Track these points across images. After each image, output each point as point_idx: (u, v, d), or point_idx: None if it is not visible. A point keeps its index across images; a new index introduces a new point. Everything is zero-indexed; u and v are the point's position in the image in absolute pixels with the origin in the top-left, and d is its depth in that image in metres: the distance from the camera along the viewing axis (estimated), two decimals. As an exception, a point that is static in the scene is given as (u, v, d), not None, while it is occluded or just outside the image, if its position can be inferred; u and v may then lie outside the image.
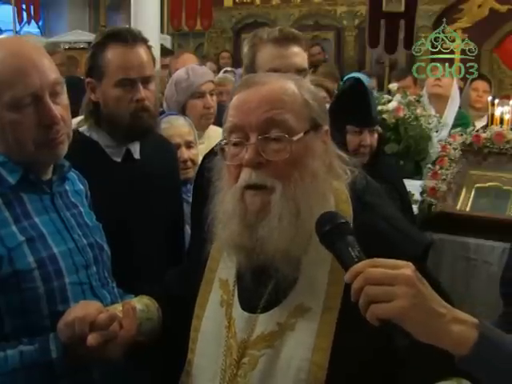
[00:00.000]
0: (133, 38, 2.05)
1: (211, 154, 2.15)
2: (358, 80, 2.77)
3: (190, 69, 3.02)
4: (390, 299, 0.98)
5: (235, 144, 1.24)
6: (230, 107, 1.27)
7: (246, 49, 2.14)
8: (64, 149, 1.51)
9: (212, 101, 2.99)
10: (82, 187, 1.70)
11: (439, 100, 4.45)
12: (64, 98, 1.51)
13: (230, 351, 1.27)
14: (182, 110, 2.91)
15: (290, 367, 1.19)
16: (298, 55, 2.07)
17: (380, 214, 1.31)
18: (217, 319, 1.33)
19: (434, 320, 1.00)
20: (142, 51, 2.06)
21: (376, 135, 2.67)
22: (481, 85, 4.91)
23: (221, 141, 1.28)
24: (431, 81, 4.44)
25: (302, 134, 1.22)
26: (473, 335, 1.01)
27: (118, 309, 1.38)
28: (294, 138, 1.21)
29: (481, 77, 4.66)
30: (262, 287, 1.26)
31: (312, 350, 1.18)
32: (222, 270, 1.37)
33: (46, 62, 1.47)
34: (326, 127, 1.29)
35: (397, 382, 1.15)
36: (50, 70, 1.47)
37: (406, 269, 1.01)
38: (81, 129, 2.13)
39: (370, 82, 5.62)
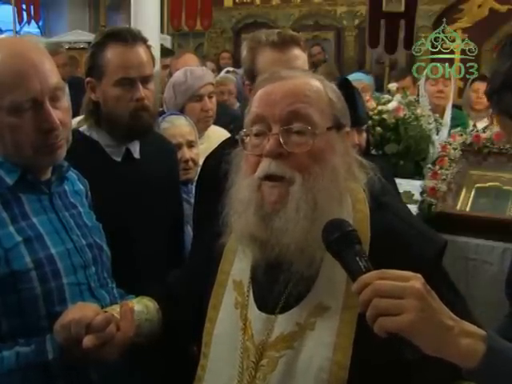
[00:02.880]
0: (132, 38, 2.05)
1: (214, 155, 2.15)
2: (346, 80, 2.76)
3: (189, 71, 2.99)
4: (398, 312, 0.97)
5: (257, 134, 1.25)
6: (254, 99, 1.28)
7: (244, 52, 2.12)
8: (62, 153, 1.51)
9: (211, 103, 2.98)
10: (81, 187, 1.70)
11: (439, 106, 4.41)
12: (64, 102, 1.50)
13: (246, 354, 1.25)
14: (181, 113, 2.89)
15: (311, 367, 1.18)
16: (299, 58, 2.06)
17: (396, 214, 1.30)
18: (231, 321, 1.31)
19: (442, 333, 0.99)
20: (141, 51, 2.06)
21: (364, 135, 2.65)
22: (481, 86, 4.88)
23: (242, 131, 1.28)
24: (432, 90, 4.33)
25: (324, 130, 1.23)
26: (481, 348, 1.00)
27: (115, 310, 1.37)
28: (317, 132, 1.21)
29: (481, 78, 4.64)
30: (279, 287, 1.24)
31: (333, 349, 1.17)
32: (236, 271, 1.36)
33: (47, 66, 1.45)
34: (348, 128, 1.30)
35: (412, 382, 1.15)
36: (52, 74, 1.46)
37: (415, 281, 1.00)
38: (81, 128, 2.13)
39: (370, 79, 5.63)
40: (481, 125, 4.23)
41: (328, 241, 1.11)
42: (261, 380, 1.22)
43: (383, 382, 1.15)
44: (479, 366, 0.99)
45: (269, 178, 1.21)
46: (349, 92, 2.57)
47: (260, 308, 1.28)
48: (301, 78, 1.28)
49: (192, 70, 3.05)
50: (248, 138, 1.26)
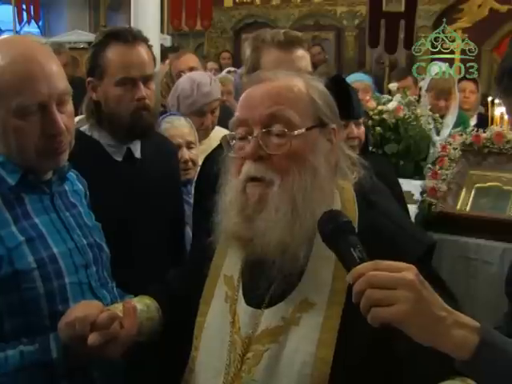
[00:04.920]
0: (133, 38, 2.06)
1: (212, 156, 2.16)
2: (340, 77, 2.79)
3: (196, 85, 2.87)
4: (391, 303, 0.98)
5: (241, 138, 1.27)
6: (239, 102, 1.30)
7: (248, 51, 2.11)
8: (65, 158, 1.51)
9: (212, 117, 2.94)
10: (80, 187, 1.70)
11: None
12: (70, 106, 1.51)
13: (234, 347, 1.28)
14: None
15: (295, 362, 1.19)
16: (303, 59, 2.07)
17: (385, 213, 1.31)
18: (221, 315, 1.33)
19: (435, 324, 1.00)
20: (142, 50, 2.07)
21: (363, 128, 2.66)
22: (467, 85, 4.89)
23: (227, 134, 1.30)
24: (434, 104, 4.25)
25: (303, 130, 1.24)
26: (474, 339, 1.00)
27: (118, 308, 1.37)
28: (294, 133, 1.22)
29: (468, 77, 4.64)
30: (265, 283, 1.26)
31: (317, 344, 1.19)
32: (228, 266, 1.38)
33: (55, 70, 1.45)
34: (333, 126, 1.30)
35: (400, 379, 1.15)
36: (59, 78, 1.45)
37: (409, 272, 1.00)
38: (82, 128, 2.13)
39: (370, 79, 5.63)
40: (470, 123, 4.23)
41: (323, 232, 1.13)
42: (246, 373, 1.24)
43: (367, 379, 1.16)
44: (472, 357, 1.00)
45: (252, 179, 1.23)
46: (343, 88, 2.60)
47: (248, 302, 1.30)
48: (282, 80, 1.29)
49: (200, 83, 2.89)
50: (233, 141, 1.29)
